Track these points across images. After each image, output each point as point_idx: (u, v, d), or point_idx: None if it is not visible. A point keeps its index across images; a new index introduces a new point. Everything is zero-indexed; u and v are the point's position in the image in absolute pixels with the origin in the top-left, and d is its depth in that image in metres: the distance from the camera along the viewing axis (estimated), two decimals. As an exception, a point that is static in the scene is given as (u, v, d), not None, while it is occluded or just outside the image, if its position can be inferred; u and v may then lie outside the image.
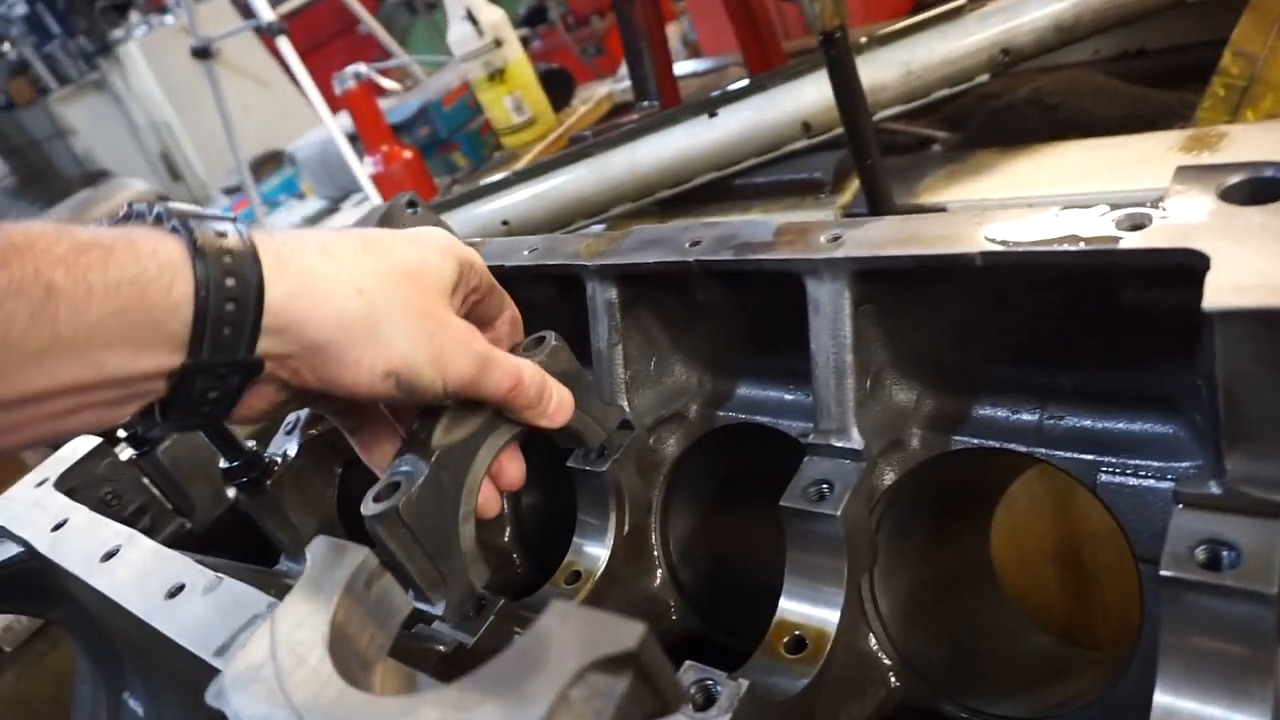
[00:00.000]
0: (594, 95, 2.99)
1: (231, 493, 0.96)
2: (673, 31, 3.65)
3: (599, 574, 0.86)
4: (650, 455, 0.93)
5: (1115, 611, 1.38)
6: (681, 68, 2.86)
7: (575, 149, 1.82)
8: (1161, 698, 0.54)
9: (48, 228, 0.54)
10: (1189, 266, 0.54)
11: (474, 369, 0.68)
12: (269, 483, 0.86)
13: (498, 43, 2.67)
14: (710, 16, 2.95)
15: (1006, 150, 1.51)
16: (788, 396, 0.92)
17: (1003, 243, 0.63)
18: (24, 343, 0.51)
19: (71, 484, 0.98)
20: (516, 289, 1.02)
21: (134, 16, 7.30)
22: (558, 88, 2.92)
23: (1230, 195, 0.57)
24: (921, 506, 0.85)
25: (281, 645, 0.49)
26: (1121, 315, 0.65)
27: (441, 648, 0.72)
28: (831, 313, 0.73)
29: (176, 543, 1.10)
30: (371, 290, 0.64)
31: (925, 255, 0.66)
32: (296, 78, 3.18)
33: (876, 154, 1.36)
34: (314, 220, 3.53)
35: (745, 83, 1.72)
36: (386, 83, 3.12)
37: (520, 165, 2.28)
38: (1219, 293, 0.50)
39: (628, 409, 0.90)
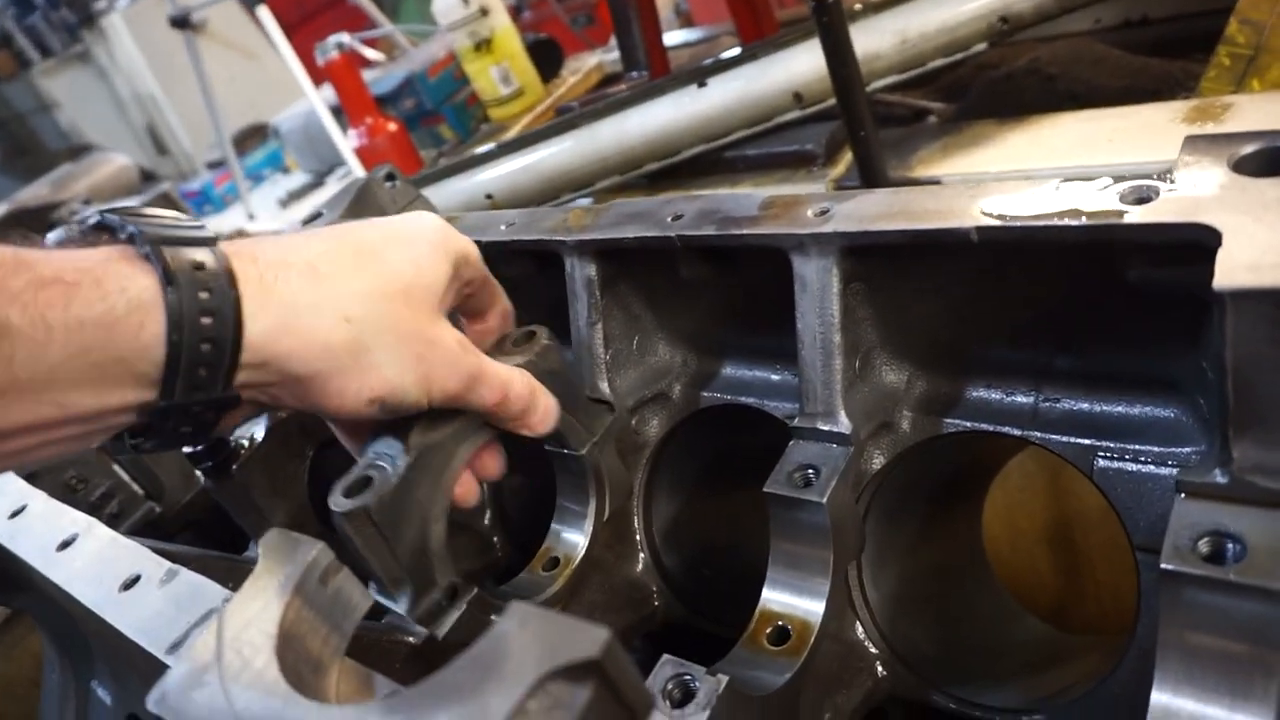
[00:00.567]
0: (583, 66, 2.92)
1: (201, 476, 0.93)
2: (664, 1, 3.58)
3: (578, 560, 0.83)
4: (632, 437, 0.90)
5: (1107, 591, 1.36)
6: (672, 37, 2.80)
7: (561, 120, 1.77)
8: (1159, 696, 0.51)
9: (5, 257, 0.50)
10: (1198, 243, 0.51)
11: (461, 386, 0.65)
12: (235, 467, 0.83)
13: (484, 11, 2.60)
14: (702, -16, 2.89)
15: (1004, 122, 1.47)
16: (774, 377, 0.88)
17: (999, 217, 0.60)
18: None
19: (33, 469, 0.95)
20: (494, 265, 0.98)
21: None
22: (546, 58, 2.86)
23: (1243, 166, 0.53)
24: (911, 492, 0.83)
25: (228, 647, 0.46)
26: (1123, 294, 0.61)
27: (411, 639, 0.69)
28: (819, 290, 0.69)
29: (146, 528, 1.07)
30: (360, 317, 0.60)
31: (918, 230, 0.62)
32: (278, 48, 3.10)
33: (870, 125, 1.32)
34: (298, 194, 3.46)
35: (736, 52, 1.67)
36: (370, 53, 3.04)
37: (507, 137, 2.23)
38: (1231, 271, 0.47)
39: (608, 389, 0.87)
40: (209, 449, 0.82)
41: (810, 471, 0.69)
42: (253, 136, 4.62)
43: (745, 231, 0.72)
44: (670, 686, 0.58)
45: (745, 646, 0.67)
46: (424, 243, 0.67)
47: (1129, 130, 1.28)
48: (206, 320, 0.54)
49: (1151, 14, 1.98)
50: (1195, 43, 1.68)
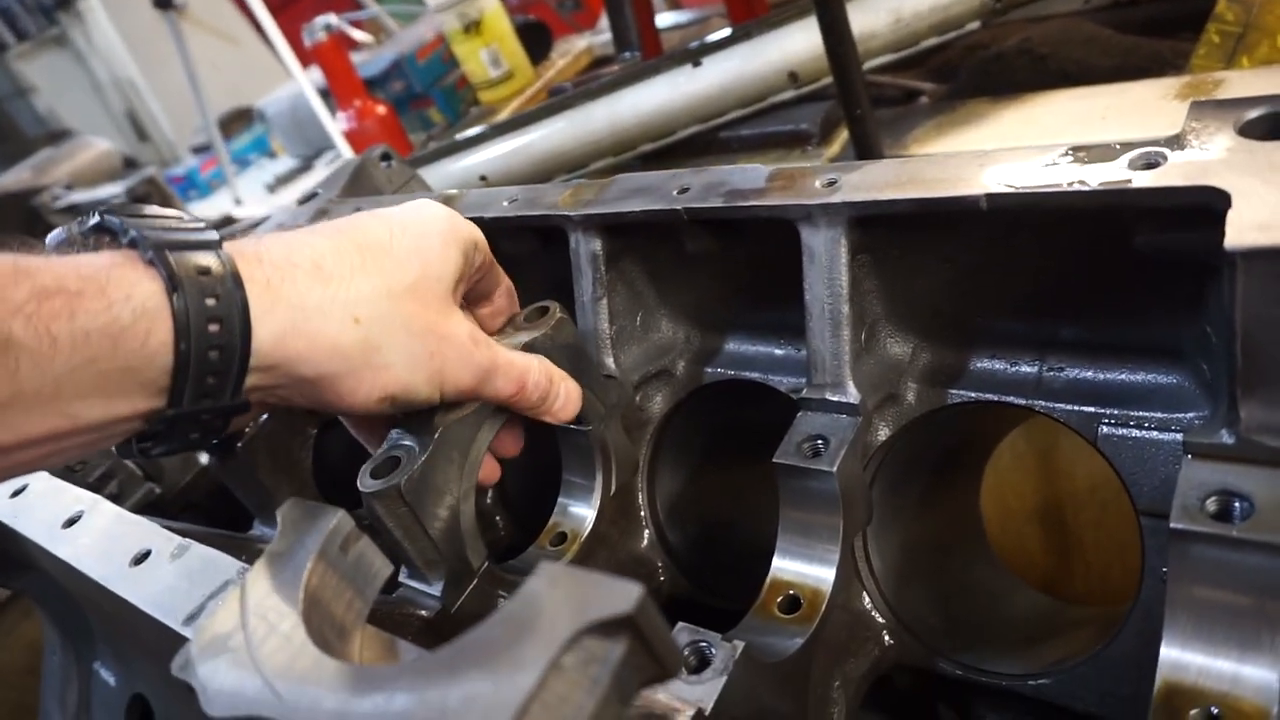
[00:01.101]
0: (573, 49, 2.91)
1: (203, 457, 0.93)
2: (653, -17, 3.56)
3: (585, 535, 0.83)
4: (636, 414, 0.90)
5: (1096, 569, 1.38)
6: (662, 19, 2.78)
7: (554, 101, 1.76)
8: (1169, 651, 0.52)
9: (5, 267, 0.49)
10: (1207, 206, 0.51)
11: (474, 381, 0.65)
12: (239, 445, 0.82)
13: (473, -8, 2.58)
14: (692, -34, 2.87)
15: (997, 100, 1.48)
16: (778, 351, 0.89)
17: (1009, 184, 0.60)
18: None
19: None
20: (496, 242, 0.98)
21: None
22: (535, 41, 2.84)
23: (1249, 130, 0.54)
24: (916, 463, 0.84)
25: (252, 613, 0.46)
26: (1129, 261, 0.62)
27: (423, 613, 0.69)
28: (827, 261, 0.70)
29: (145, 509, 1.06)
30: (369, 317, 0.60)
31: (928, 198, 0.63)
32: (265, 30, 3.07)
33: (866, 104, 1.32)
34: (285, 179, 3.43)
35: (730, 31, 1.66)
36: (358, 35, 3.01)
37: (499, 119, 2.21)
38: (1242, 231, 0.48)
39: (614, 365, 0.87)
40: (213, 427, 0.81)
41: (819, 442, 0.69)
42: (237, 121, 4.56)
43: (753, 203, 0.72)
44: (686, 653, 0.58)
45: (757, 615, 0.68)
46: (433, 235, 0.66)
47: (1122, 107, 1.29)
48: (214, 327, 0.53)
49: (1141, -6, 1.99)
50: (1184, 22, 1.69)
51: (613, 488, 0.86)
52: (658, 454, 0.94)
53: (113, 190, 3.15)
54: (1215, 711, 0.49)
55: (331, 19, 2.71)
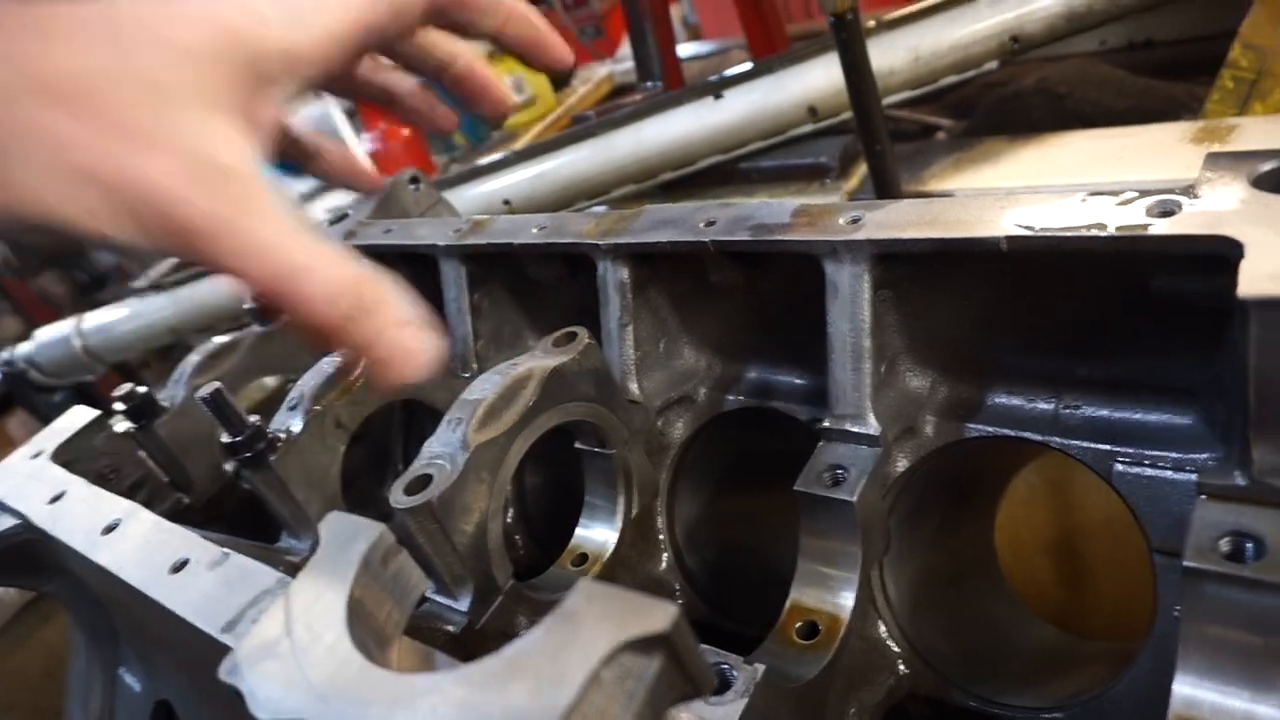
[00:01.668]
0: (594, 76, 2.96)
1: (230, 467, 0.95)
2: (672, 14, 3.63)
3: (606, 557, 0.85)
4: (658, 438, 0.92)
5: (1109, 602, 1.38)
6: (683, 50, 2.84)
7: (579, 129, 1.80)
8: (1181, 688, 0.53)
9: None
10: (1221, 254, 0.53)
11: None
12: (273, 458, 0.85)
13: (499, 20, 2.64)
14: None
15: (1014, 139, 1.50)
16: (798, 381, 0.91)
17: (1028, 227, 0.62)
18: None
19: (68, 457, 0.97)
20: (525, 267, 1.01)
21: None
22: (558, 68, 2.89)
23: (1263, 182, 0.56)
24: (932, 495, 0.85)
25: (298, 621, 0.48)
26: (1145, 304, 0.64)
27: (449, 628, 0.71)
28: (850, 296, 0.72)
29: (174, 518, 1.08)
30: None
31: (949, 238, 0.65)
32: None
33: (886, 140, 1.35)
34: (309, 199, 3.48)
35: (751, 65, 1.70)
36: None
37: (520, 145, 2.26)
38: (1254, 280, 0.50)
39: (637, 390, 0.89)
40: (247, 439, 0.84)
41: (840, 471, 0.71)
42: (261, 139, 4.63)
43: (778, 238, 0.75)
44: (707, 674, 0.60)
45: (775, 640, 0.70)
46: None
47: (1138, 149, 1.32)
48: None
49: (1156, 36, 2.03)
50: (1199, 66, 1.72)
51: (634, 511, 0.87)
52: (678, 479, 0.96)
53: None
54: (1227, 748, 0.50)
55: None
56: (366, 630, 0.48)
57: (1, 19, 0.47)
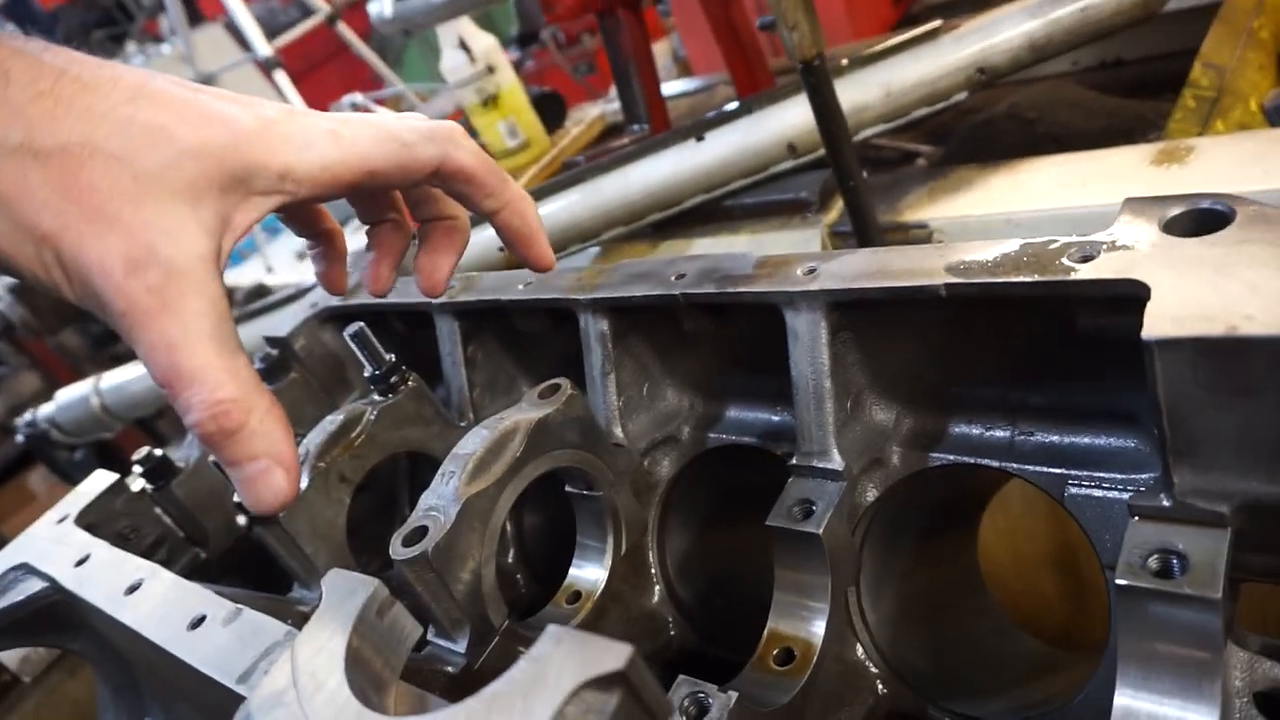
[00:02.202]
0: (586, 117, 3.04)
1: (242, 522, 1.00)
2: (663, 48, 3.72)
3: (598, 594, 0.90)
4: (645, 477, 0.97)
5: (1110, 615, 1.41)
6: (671, 87, 2.92)
7: (568, 175, 1.87)
8: (1121, 699, 0.57)
9: None
10: (1133, 296, 0.58)
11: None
12: (282, 515, 0.90)
13: (490, 69, 2.73)
14: (699, 35, 3.01)
15: (985, 166, 1.56)
16: (774, 418, 0.96)
17: (963, 274, 0.67)
18: None
19: (91, 519, 1.02)
20: (513, 320, 1.07)
21: (130, 47, 7.37)
22: (550, 111, 2.98)
23: (1171, 227, 0.61)
24: (904, 520, 0.89)
25: (302, 672, 0.53)
26: (1080, 338, 0.69)
27: (449, 669, 0.76)
28: (809, 342, 0.77)
29: (192, 572, 1.14)
30: None
31: (894, 287, 0.70)
32: (291, 103, 3.24)
33: (859, 175, 1.40)
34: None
35: (731, 106, 1.77)
36: (382, 111, 3.17)
37: (515, 189, 2.33)
38: (1157, 322, 0.54)
39: (621, 434, 0.95)
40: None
41: (808, 505, 0.76)
42: (267, 190, 4.74)
43: (742, 289, 0.80)
44: (686, 703, 0.64)
45: (754, 668, 0.74)
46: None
47: (1101, 174, 1.37)
48: None
49: (1124, 55, 2.09)
50: (1166, 83, 1.77)
51: (623, 548, 0.92)
52: (666, 514, 1.01)
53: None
54: (1162, 755, 0.54)
55: (357, 97, 2.87)
56: (365, 677, 0.53)
57: (40, 71, 0.50)
